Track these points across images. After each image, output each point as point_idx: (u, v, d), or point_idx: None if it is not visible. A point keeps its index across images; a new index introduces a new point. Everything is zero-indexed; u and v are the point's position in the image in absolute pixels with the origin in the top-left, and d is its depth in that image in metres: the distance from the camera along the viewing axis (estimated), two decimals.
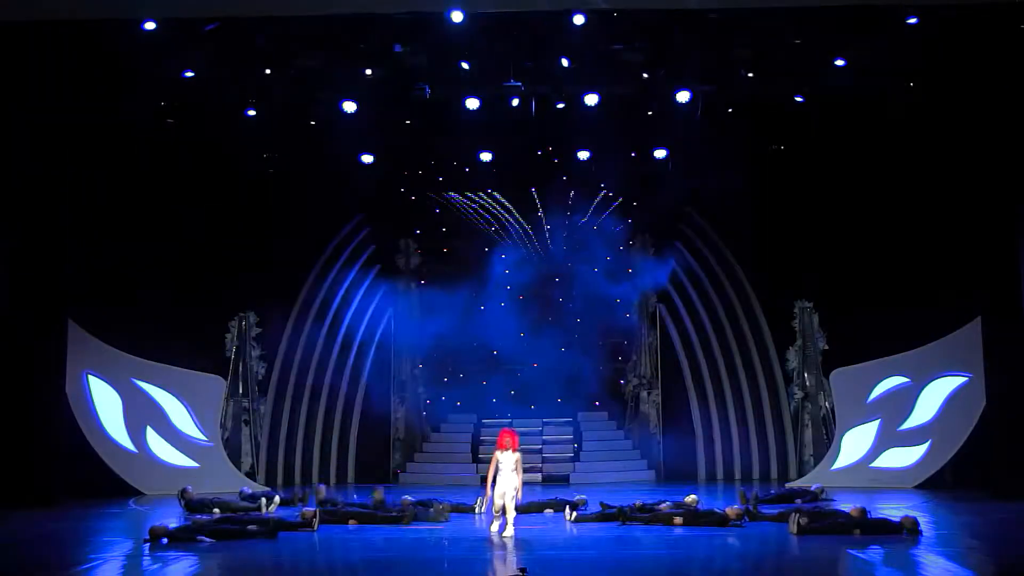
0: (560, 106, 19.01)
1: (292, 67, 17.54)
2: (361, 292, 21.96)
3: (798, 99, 18.71)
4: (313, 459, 21.42)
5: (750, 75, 17.89)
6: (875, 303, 19.37)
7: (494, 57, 17.52)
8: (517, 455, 13.80)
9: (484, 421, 22.71)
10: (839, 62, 17.45)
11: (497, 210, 23.01)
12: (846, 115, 18.78)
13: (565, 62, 17.51)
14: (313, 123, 19.35)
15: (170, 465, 19.37)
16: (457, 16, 15.85)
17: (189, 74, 17.50)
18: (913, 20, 16.06)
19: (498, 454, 13.78)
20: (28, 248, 17.95)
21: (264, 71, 17.69)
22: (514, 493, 13.65)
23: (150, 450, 19.46)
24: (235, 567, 12.20)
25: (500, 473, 13.68)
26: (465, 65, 17.54)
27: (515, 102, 18.24)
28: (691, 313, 21.93)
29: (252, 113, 18.74)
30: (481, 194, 22.87)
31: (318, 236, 21.79)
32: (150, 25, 15.98)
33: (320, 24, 16.41)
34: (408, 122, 19.59)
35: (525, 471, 15.99)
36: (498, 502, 13.68)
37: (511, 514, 13.63)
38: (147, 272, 19.19)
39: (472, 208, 23.01)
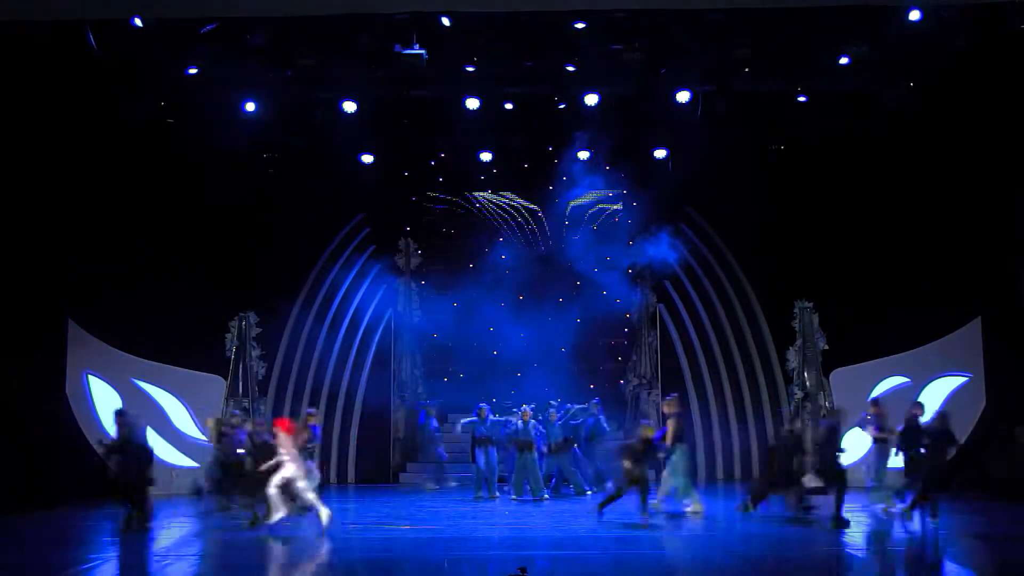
0: (560, 106, 19.02)
1: (292, 67, 17.54)
2: (361, 292, 21.92)
3: (799, 98, 18.71)
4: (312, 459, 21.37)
5: (750, 75, 17.89)
6: (875, 303, 19.33)
7: (494, 57, 17.52)
8: None
9: None
10: (839, 61, 17.46)
11: (496, 210, 22.99)
12: (846, 114, 18.78)
13: (565, 62, 17.51)
14: (313, 123, 19.35)
15: (170, 465, 19.36)
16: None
17: (190, 73, 17.49)
18: (914, 18, 16.06)
19: None
20: (28, 248, 17.95)
21: (264, 71, 17.69)
22: None
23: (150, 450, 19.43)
24: (234, 567, 12.22)
25: None
26: (468, 68, 17.56)
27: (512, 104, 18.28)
28: (691, 313, 21.90)
29: (253, 113, 18.74)
30: (481, 194, 22.86)
31: (318, 236, 21.76)
32: (139, 22, 15.98)
33: (320, 24, 16.41)
34: (408, 122, 19.58)
35: None
36: None
37: None
38: (147, 272, 19.16)
39: (472, 208, 22.99)
